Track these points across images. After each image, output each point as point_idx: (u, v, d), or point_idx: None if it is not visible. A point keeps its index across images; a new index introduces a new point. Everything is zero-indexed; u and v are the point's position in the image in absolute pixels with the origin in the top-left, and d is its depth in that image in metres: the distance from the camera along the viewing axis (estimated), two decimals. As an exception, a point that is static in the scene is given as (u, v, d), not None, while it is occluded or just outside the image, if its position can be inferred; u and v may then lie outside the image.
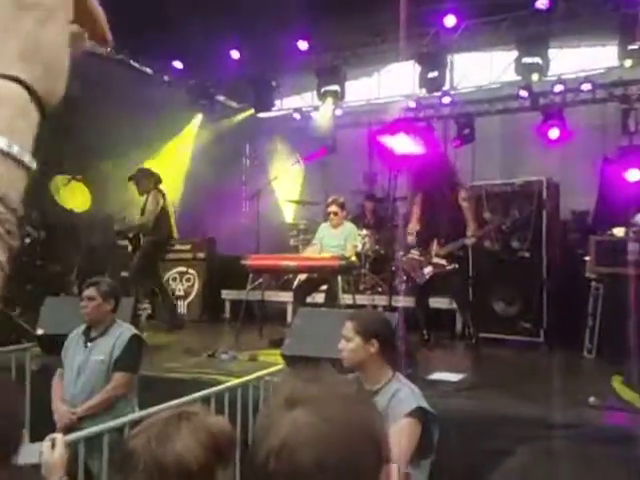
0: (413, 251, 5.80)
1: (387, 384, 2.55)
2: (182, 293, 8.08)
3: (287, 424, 0.76)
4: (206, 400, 3.07)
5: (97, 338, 3.49)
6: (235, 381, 3.50)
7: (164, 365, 4.78)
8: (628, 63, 7.07)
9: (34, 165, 0.47)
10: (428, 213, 5.85)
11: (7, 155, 0.46)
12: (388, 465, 0.79)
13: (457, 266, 5.68)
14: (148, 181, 6.61)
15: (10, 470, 1.39)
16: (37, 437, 1.77)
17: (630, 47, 6.92)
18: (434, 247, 5.68)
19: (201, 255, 8.17)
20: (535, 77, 7.89)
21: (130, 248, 6.56)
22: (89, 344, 3.48)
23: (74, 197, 7.25)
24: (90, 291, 3.46)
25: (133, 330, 3.63)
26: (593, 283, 5.18)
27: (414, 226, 5.93)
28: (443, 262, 5.63)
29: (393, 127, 9.82)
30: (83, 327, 3.57)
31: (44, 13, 0.47)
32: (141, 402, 3.47)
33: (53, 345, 4.03)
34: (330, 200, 6.33)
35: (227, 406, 3.21)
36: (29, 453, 1.60)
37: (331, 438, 0.74)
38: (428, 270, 5.67)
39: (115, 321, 3.58)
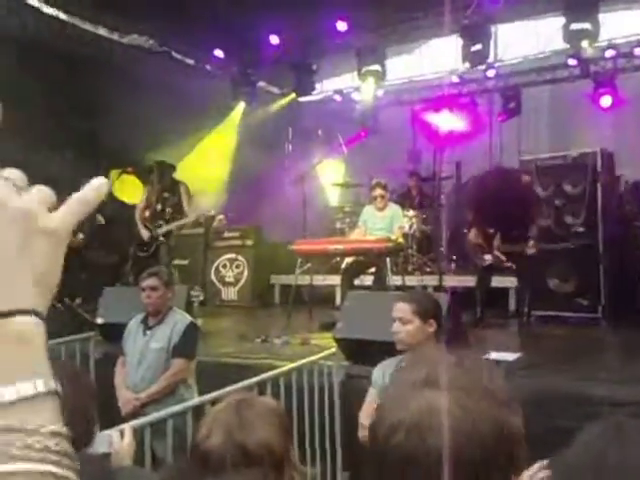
0: (474, 232, 5.77)
1: None
2: (232, 280, 8.22)
3: (423, 404, 0.73)
4: (262, 385, 3.12)
5: (155, 326, 3.59)
6: (289, 365, 3.53)
7: (219, 351, 4.88)
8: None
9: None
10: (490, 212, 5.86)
11: (49, 393, 0.46)
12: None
13: (514, 266, 5.71)
14: (171, 174, 6.49)
15: (81, 458, 1.44)
16: (103, 423, 1.83)
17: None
18: (497, 240, 5.71)
19: (249, 242, 8.27)
20: (585, 44, 7.58)
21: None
22: (148, 332, 3.59)
23: (127, 190, 7.43)
24: (152, 281, 3.55)
25: (189, 317, 3.72)
26: (653, 256, 4.99)
27: (475, 236, 5.93)
28: (503, 257, 5.68)
29: (436, 104, 9.65)
30: (141, 316, 3.68)
31: (57, 240, 0.48)
32: (199, 388, 3.56)
33: (113, 333, 4.18)
34: (374, 183, 6.30)
35: (283, 390, 3.26)
36: (99, 442, 1.66)
37: (465, 429, 0.71)
38: (489, 257, 5.72)
39: (171, 309, 3.68)
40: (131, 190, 7.39)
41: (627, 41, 8.46)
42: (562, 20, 7.50)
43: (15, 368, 0.45)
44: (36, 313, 0.46)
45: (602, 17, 7.43)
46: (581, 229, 5.75)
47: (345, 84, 10.89)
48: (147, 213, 6.25)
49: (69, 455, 0.46)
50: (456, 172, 9.38)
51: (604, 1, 7.35)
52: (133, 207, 6.63)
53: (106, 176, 7.23)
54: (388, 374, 2.75)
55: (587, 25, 7.24)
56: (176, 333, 3.52)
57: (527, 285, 5.74)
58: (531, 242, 5.53)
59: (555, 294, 5.82)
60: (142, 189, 6.97)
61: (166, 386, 3.44)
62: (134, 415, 3.13)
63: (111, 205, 7.01)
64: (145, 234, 6.17)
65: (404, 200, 8.10)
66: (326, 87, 10.99)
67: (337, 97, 10.77)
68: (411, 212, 7.93)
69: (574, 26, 7.29)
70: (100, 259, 7.18)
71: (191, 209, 6.18)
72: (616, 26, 8.48)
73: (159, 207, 6.21)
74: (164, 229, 6.12)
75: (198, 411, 2.61)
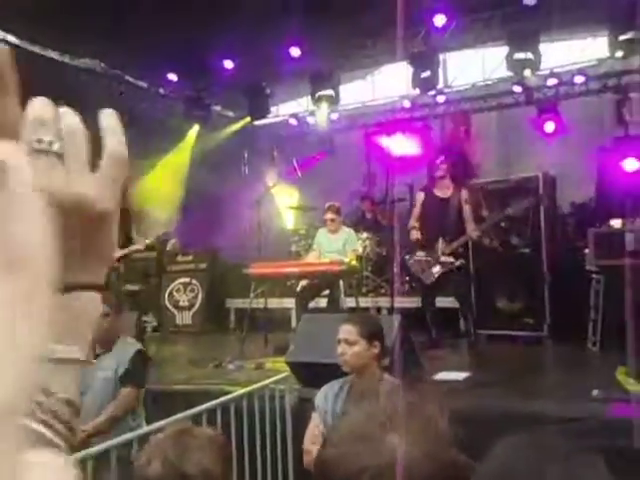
0: (419, 253, 5.83)
1: (380, 384, 2.62)
2: (186, 304, 8.13)
3: (382, 450, 0.74)
4: (212, 411, 3.10)
5: (102, 355, 3.52)
6: (240, 391, 3.52)
7: (171, 378, 4.81)
8: (619, 54, 7.09)
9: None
10: (430, 212, 5.88)
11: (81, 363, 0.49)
12: None
13: (464, 261, 5.74)
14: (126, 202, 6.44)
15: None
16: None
17: (621, 38, 6.94)
18: (440, 246, 5.71)
19: (203, 265, 8.21)
20: (527, 72, 7.93)
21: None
22: (94, 361, 3.51)
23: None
24: (103, 307, 3.49)
25: (137, 345, 3.66)
26: (594, 275, 5.20)
27: (414, 222, 5.97)
28: (450, 259, 5.67)
29: (389, 128, 9.89)
30: (88, 344, 3.60)
31: (113, 218, 0.51)
32: (149, 416, 3.50)
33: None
34: (326, 206, 6.38)
35: (233, 416, 3.24)
36: None
37: (424, 473, 0.73)
38: (437, 269, 5.70)
39: (119, 336, 3.62)
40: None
41: (568, 70, 8.88)
42: (506, 49, 7.84)
43: (69, 334, 0.47)
44: (97, 287, 0.50)
45: (543, 47, 7.81)
46: (526, 250, 5.96)
47: (300, 108, 11.04)
48: None
49: (72, 428, 0.48)
50: (409, 195, 9.58)
51: (545, 32, 7.72)
52: None
53: None
54: (330, 397, 2.78)
55: (529, 55, 7.59)
56: (124, 361, 3.46)
57: (466, 304, 5.87)
58: (469, 229, 5.63)
59: (503, 313, 5.99)
60: None
61: (113, 416, 3.36)
62: (80, 447, 3.05)
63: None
64: None
65: (358, 223, 8.22)
66: (281, 111, 11.12)
67: (292, 121, 10.89)
68: (365, 235, 8.04)
69: (517, 56, 7.64)
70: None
71: (140, 236, 6.11)
72: (557, 55, 8.90)
73: None
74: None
75: (144, 441, 2.58)
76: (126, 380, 3.43)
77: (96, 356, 3.52)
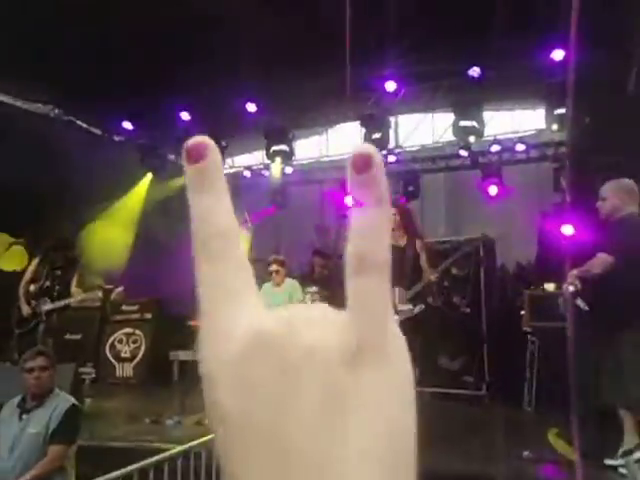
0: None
1: None
2: (128, 355, 7.91)
3: None
4: (144, 471, 3.02)
5: (33, 410, 3.41)
6: (177, 449, 3.44)
7: (106, 433, 4.66)
8: (554, 127, 7.58)
9: None
10: None
11: None
12: None
13: (423, 306, 5.57)
14: (69, 251, 6.31)
15: None
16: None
17: (556, 112, 7.45)
18: (397, 294, 5.54)
19: (148, 315, 8.07)
20: (472, 139, 8.35)
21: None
22: (24, 416, 3.40)
23: (13, 259, 7.11)
24: (41, 360, 3.41)
25: (71, 400, 3.56)
26: (529, 337, 5.39)
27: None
28: (409, 306, 5.52)
29: (342, 184, 10.14)
30: (17, 399, 3.49)
31: None
32: (81, 474, 3.38)
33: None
34: (270, 259, 6.43)
35: (167, 476, 3.16)
36: None
37: None
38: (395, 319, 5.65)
39: (52, 390, 3.52)
40: (17, 260, 7.08)
41: (509, 137, 9.40)
42: (452, 116, 8.27)
43: None
44: None
45: (487, 115, 8.28)
46: (467, 310, 6.15)
47: (255, 160, 11.22)
48: (32, 287, 5.99)
49: None
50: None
51: (488, 102, 8.21)
52: (14, 276, 6.35)
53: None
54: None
55: (474, 123, 8.03)
56: (55, 417, 3.36)
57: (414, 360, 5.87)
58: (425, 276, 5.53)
59: (444, 371, 6.11)
60: (26, 260, 6.71)
61: (39, 474, 3.23)
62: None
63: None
64: (25, 309, 5.90)
65: (307, 277, 8.28)
66: (237, 162, 11.27)
67: (247, 173, 11.04)
68: (313, 288, 8.10)
69: (462, 123, 8.06)
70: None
71: (78, 290, 5.99)
72: (500, 123, 9.44)
73: (47, 283, 5.98)
74: (48, 307, 5.89)
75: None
76: (56, 437, 3.33)
77: (27, 411, 3.41)
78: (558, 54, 6.95)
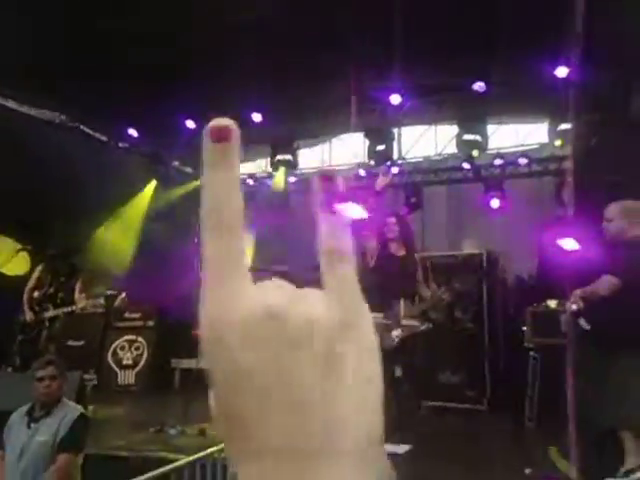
0: (375, 314, 5.63)
1: None
2: (130, 362, 7.93)
3: None
4: (152, 482, 3.06)
5: (42, 419, 3.44)
6: (183, 460, 3.48)
7: (109, 442, 4.68)
8: (558, 142, 7.65)
9: None
10: (386, 269, 5.19)
11: None
12: None
13: (431, 325, 5.13)
14: (73, 258, 6.36)
15: None
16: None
17: (559, 128, 7.52)
18: (401, 307, 5.04)
19: (151, 323, 8.09)
20: (475, 152, 8.42)
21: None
22: (32, 425, 3.43)
23: (18, 265, 7.15)
24: (51, 370, 3.45)
25: (79, 409, 3.60)
26: (531, 353, 5.43)
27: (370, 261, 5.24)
28: (415, 322, 5.01)
29: (345, 194, 10.18)
30: (26, 407, 3.52)
31: None
32: (85, 483, 3.41)
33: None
34: (273, 271, 6.47)
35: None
36: None
37: None
38: (397, 333, 4.94)
39: (60, 399, 3.55)
40: (21, 265, 7.12)
41: (513, 151, 9.47)
42: (456, 129, 8.35)
43: None
44: None
45: (490, 128, 8.36)
46: (469, 324, 6.18)
47: (259, 169, 11.28)
48: (36, 294, 6.03)
49: None
50: (362, 260, 9.78)
51: (492, 116, 8.28)
52: (17, 282, 6.39)
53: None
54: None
55: (477, 137, 8.10)
56: (64, 426, 3.39)
57: (411, 376, 5.62)
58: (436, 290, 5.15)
59: (445, 386, 6.14)
60: (29, 265, 6.75)
61: (49, 484, 3.27)
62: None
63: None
64: (29, 315, 5.94)
65: (311, 285, 8.32)
66: (240, 171, 11.31)
67: (250, 181, 11.09)
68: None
69: (466, 136, 8.13)
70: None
71: (81, 297, 6.03)
72: (503, 137, 9.50)
73: (51, 290, 6.02)
74: (50, 313, 5.93)
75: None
76: (65, 445, 3.36)
77: (35, 420, 3.45)
78: (562, 71, 7.02)
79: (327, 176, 0.40)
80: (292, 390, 0.34)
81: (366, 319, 0.38)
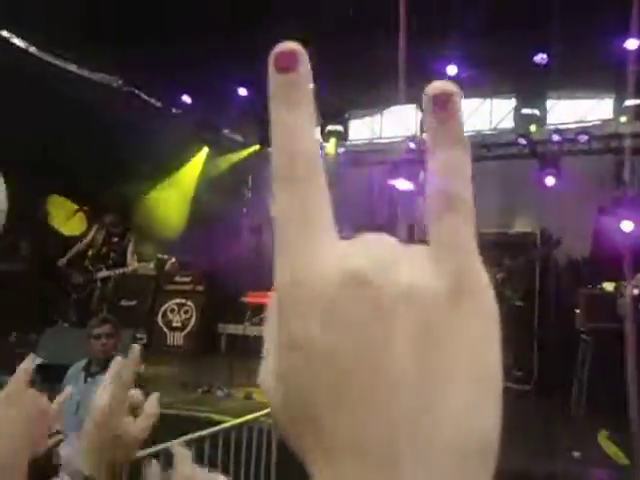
0: None
1: None
2: (179, 325, 8.16)
3: None
4: (200, 440, 3.15)
5: (98, 374, 3.57)
6: (230, 422, 3.57)
7: (160, 400, 4.83)
8: (623, 119, 7.30)
9: None
10: None
11: None
12: None
13: None
14: (126, 220, 6.53)
15: None
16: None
17: (626, 104, 7.16)
18: None
19: (200, 288, 8.27)
20: (533, 127, 8.13)
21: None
22: (89, 379, 3.57)
23: (74, 226, 7.37)
24: (107, 328, 3.58)
25: (133, 366, 3.72)
26: (583, 336, 5.28)
27: None
28: None
29: (395, 166, 10.05)
30: (83, 362, 3.67)
31: None
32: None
33: (53, 375, 4.11)
34: None
35: (221, 446, 3.29)
36: None
37: None
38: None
39: (114, 355, 3.68)
40: (78, 225, 7.34)
41: (572, 127, 9.09)
42: (513, 102, 8.07)
43: None
44: None
45: (550, 103, 8.04)
46: (519, 303, 6.05)
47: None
48: (89, 253, 6.21)
49: None
50: (408, 234, 9.71)
51: (552, 90, 7.96)
52: (73, 241, 6.59)
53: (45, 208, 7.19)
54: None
55: (536, 111, 7.82)
56: (118, 382, 3.52)
57: None
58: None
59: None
60: (85, 225, 6.95)
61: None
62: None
63: (47, 234, 6.94)
64: (82, 275, 6.13)
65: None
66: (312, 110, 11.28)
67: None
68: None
69: (524, 110, 7.86)
70: (35, 292, 7.00)
71: (133, 259, 6.18)
72: (562, 113, 9.13)
73: (104, 250, 6.19)
74: (103, 274, 6.10)
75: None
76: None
77: (92, 375, 3.59)
78: (632, 43, 6.65)
79: (447, 93, 0.30)
80: (379, 377, 0.27)
81: (483, 285, 0.29)
